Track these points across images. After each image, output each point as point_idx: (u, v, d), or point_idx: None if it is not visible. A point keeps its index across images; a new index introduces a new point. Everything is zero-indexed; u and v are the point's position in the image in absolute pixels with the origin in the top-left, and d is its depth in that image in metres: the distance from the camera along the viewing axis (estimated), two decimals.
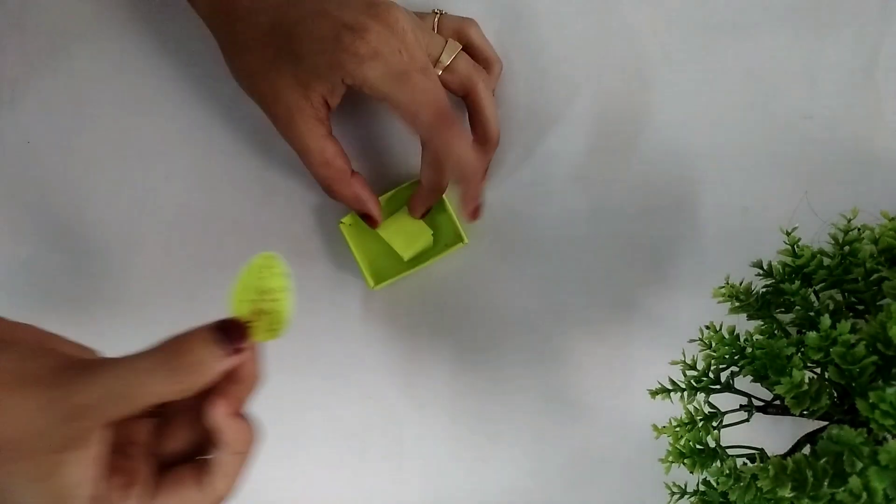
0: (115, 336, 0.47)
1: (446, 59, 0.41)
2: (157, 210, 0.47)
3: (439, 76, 0.40)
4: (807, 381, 0.31)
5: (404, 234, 0.44)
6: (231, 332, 0.28)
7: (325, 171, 0.41)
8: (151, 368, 0.27)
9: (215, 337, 0.27)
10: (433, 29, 0.42)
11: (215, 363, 0.27)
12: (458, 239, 0.44)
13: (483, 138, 0.42)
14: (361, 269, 0.44)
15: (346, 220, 0.44)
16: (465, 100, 0.42)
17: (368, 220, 0.44)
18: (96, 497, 0.27)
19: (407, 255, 0.44)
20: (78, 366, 0.27)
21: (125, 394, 0.26)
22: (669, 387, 0.36)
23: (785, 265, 0.35)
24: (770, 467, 0.29)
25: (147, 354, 0.27)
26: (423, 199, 0.43)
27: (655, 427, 0.36)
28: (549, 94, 0.44)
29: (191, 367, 0.27)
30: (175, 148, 0.47)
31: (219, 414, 0.29)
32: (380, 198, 0.44)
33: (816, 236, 0.41)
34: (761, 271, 0.36)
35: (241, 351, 0.28)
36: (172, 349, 0.27)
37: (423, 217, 0.44)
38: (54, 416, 0.26)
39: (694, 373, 0.36)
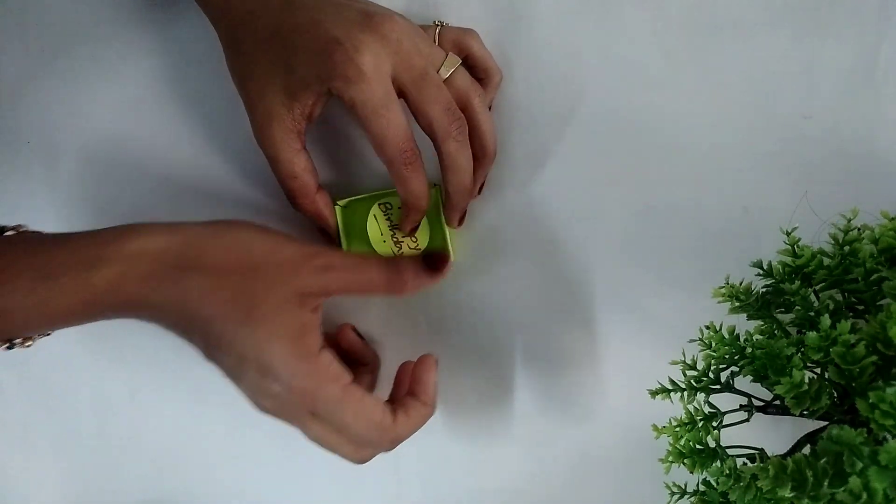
0: (115, 334, 0.47)
1: (445, 73, 0.41)
2: (157, 209, 0.47)
3: None
4: (807, 381, 0.31)
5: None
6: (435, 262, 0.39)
7: (292, 183, 0.41)
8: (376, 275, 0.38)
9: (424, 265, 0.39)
10: (434, 41, 0.42)
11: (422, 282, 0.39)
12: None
13: (480, 153, 0.42)
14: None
15: (343, 202, 0.44)
16: (464, 114, 0.42)
17: (324, 235, 0.45)
18: (322, 345, 0.37)
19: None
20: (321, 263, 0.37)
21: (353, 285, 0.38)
22: (669, 387, 0.36)
23: (785, 265, 0.35)
24: (770, 467, 0.29)
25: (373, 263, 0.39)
26: (452, 206, 0.44)
27: (655, 427, 0.36)
28: (550, 94, 0.44)
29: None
30: (175, 148, 0.47)
31: (433, 373, 0.40)
32: (353, 199, 0.44)
33: (816, 236, 0.41)
34: (761, 271, 0.36)
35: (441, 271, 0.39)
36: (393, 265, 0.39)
37: (459, 224, 0.45)
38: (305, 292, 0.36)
39: (694, 373, 0.36)
